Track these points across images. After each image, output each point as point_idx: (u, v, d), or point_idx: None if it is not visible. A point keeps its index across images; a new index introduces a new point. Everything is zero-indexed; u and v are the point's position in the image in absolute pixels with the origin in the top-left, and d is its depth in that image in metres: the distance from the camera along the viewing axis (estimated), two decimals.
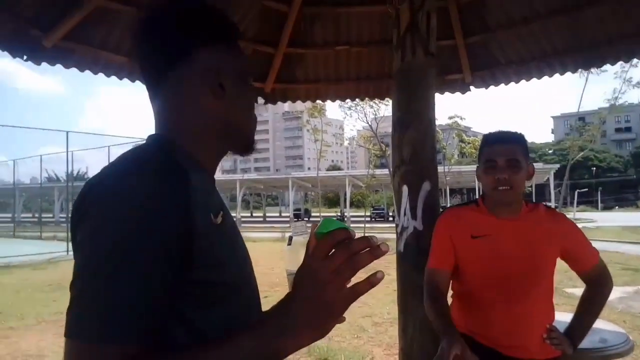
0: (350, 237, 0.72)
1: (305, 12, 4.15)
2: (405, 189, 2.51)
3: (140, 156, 0.86)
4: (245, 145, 1.01)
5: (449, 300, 1.97)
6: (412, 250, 2.44)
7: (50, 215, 40.24)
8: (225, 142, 0.98)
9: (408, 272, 2.47)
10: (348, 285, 0.72)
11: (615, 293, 8.06)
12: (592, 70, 14.60)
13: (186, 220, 0.77)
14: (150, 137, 0.95)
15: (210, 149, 0.96)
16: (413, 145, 2.52)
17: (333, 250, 0.71)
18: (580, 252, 1.92)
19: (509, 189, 1.74)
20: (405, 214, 2.47)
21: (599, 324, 3.61)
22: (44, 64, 3.38)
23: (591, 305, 1.97)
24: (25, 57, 3.28)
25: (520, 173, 1.76)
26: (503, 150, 1.75)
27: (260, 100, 4.67)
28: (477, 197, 2.07)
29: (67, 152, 18.62)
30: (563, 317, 4.20)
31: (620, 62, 3.93)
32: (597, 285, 1.97)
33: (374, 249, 0.70)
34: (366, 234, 0.74)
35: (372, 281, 0.70)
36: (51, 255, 14.84)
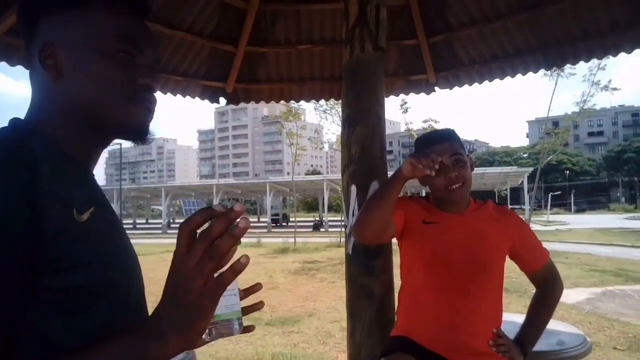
0: (213, 216, 0.62)
1: (265, 9, 4.05)
2: (353, 188, 2.41)
3: None
4: (117, 129, 0.85)
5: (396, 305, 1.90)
6: (361, 252, 2.34)
7: None
8: (90, 128, 0.84)
9: (356, 274, 2.37)
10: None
11: (583, 294, 8.14)
12: (561, 73, 14.84)
13: (31, 214, 0.65)
14: (10, 120, 0.83)
15: (74, 136, 0.83)
16: (361, 143, 2.42)
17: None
18: (529, 250, 1.87)
19: (461, 185, 1.71)
20: (353, 215, 2.37)
21: (557, 325, 3.57)
22: None
23: (542, 308, 1.93)
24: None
25: (466, 167, 1.75)
26: (445, 149, 1.72)
27: (222, 100, 4.55)
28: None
29: None
30: (522, 319, 4.16)
31: (588, 64, 3.95)
32: (547, 286, 1.93)
33: (234, 230, 0.60)
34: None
35: (236, 268, 0.62)
36: None
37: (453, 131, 1.83)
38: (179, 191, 47.37)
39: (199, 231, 0.62)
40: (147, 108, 0.86)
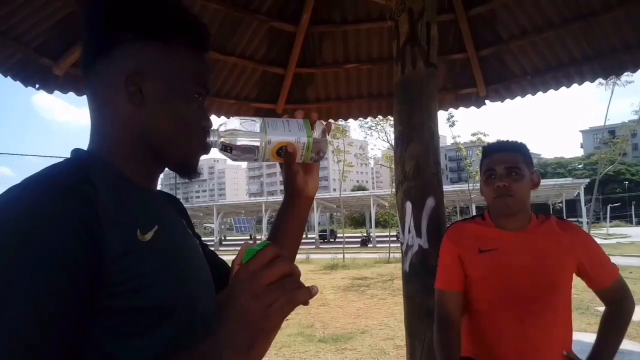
0: (279, 255, 0.65)
1: (313, 32, 4.15)
2: (408, 205, 2.41)
3: (39, 177, 0.71)
4: (177, 164, 0.86)
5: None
6: (418, 270, 2.33)
7: None
8: (153, 157, 0.84)
9: (414, 293, 2.34)
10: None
11: None
12: (617, 82, 14.21)
13: (89, 243, 0.65)
14: (72, 151, 0.84)
15: (137, 163, 0.83)
16: (416, 160, 2.42)
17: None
18: (597, 267, 1.77)
19: (509, 196, 1.65)
20: (409, 232, 2.37)
21: (628, 345, 3.40)
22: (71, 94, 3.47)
23: (614, 327, 1.81)
24: (37, 86, 3.34)
25: (522, 181, 1.66)
26: (502, 159, 1.68)
27: None
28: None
29: None
30: (590, 338, 3.97)
31: None
32: (618, 304, 1.82)
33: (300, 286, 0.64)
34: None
35: (312, 291, 0.63)
36: None
37: (521, 144, 1.77)
38: (230, 209, 48.39)
39: None
40: (203, 149, 0.87)
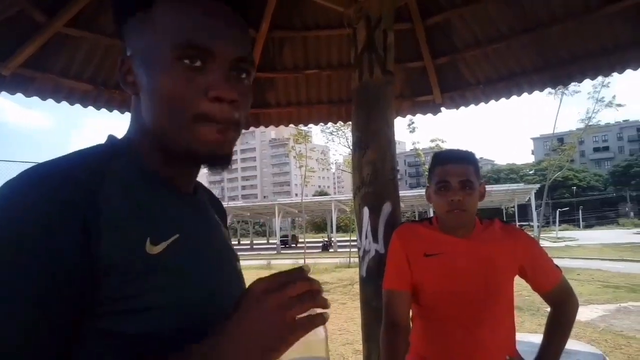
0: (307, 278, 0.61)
1: (274, 37, 4.15)
2: (366, 210, 2.44)
3: (45, 163, 0.63)
4: (189, 156, 0.70)
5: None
6: (374, 274, 2.36)
7: None
8: (163, 150, 0.72)
9: (371, 297, 2.37)
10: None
11: (597, 311, 8.04)
12: (565, 91, 14.91)
13: (80, 247, 0.57)
14: (108, 137, 0.77)
15: (157, 158, 0.73)
16: (373, 166, 2.46)
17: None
18: (540, 270, 1.81)
19: (462, 211, 1.67)
20: (366, 237, 2.40)
21: (574, 345, 3.54)
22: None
23: (558, 329, 1.86)
24: None
25: (474, 194, 1.68)
26: (456, 171, 1.68)
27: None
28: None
29: None
30: (538, 338, 4.12)
31: (593, 82, 3.99)
32: (562, 306, 1.87)
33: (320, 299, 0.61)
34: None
35: (325, 317, 0.61)
36: None
37: (472, 155, 1.77)
38: None
39: None
40: (219, 130, 0.68)
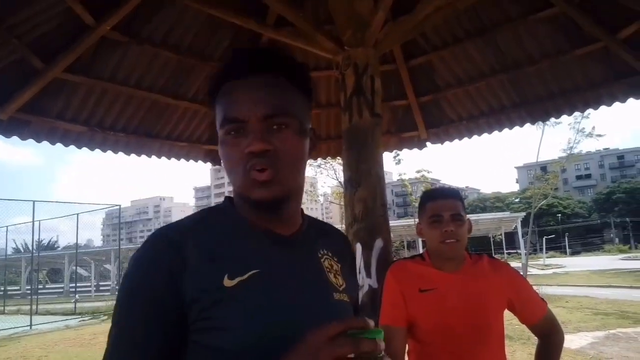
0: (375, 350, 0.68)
1: None
2: (358, 246, 2.53)
3: (167, 225, 0.89)
4: (253, 204, 0.86)
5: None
6: (368, 309, 2.42)
7: (17, 287, 38.41)
8: (244, 200, 0.89)
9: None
10: None
11: (586, 339, 8.09)
12: (547, 123, 15.36)
13: (171, 288, 0.78)
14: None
15: (246, 206, 0.89)
16: (364, 203, 2.58)
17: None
18: (526, 303, 1.88)
19: (455, 241, 1.76)
20: (360, 272, 2.48)
21: None
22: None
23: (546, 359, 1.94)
24: None
25: (464, 227, 1.78)
26: (447, 205, 1.78)
27: (216, 164, 4.73)
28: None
29: (33, 221, 17.97)
30: None
31: (574, 114, 4.16)
32: (549, 337, 1.93)
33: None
34: None
35: None
36: (14, 331, 13.97)
37: (458, 192, 1.90)
38: None
39: None
40: (254, 178, 0.83)
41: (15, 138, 3.46)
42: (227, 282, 0.80)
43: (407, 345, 1.92)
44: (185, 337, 0.80)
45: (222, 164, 0.89)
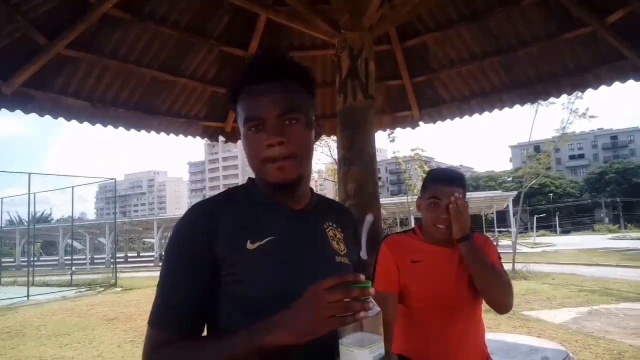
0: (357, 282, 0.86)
1: None
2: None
3: (207, 198, 1.12)
4: (272, 186, 1.07)
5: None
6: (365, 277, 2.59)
7: (12, 259, 38.56)
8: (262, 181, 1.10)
9: None
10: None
11: (570, 314, 8.38)
12: (541, 102, 15.44)
13: (207, 247, 1.00)
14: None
15: (264, 185, 1.10)
16: (357, 181, 2.72)
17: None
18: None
19: (445, 227, 1.90)
20: None
21: (543, 343, 3.83)
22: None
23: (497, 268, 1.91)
24: None
25: None
26: (447, 191, 1.88)
27: (221, 138, 4.84)
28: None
29: (29, 194, 18.04)
30: (511, 338, 4.38)
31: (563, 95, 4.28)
32: None
33: (365, 302, 0.84)
34: None
35: (356, 317, 0.84)
36: (11, 302, 14.19)
37: (463, 177, 1.99)
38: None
39: None
40: (277, 166, 1.03)
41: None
42: (249, 246, 1.02)
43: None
44: (218, 286, 1.01)
45: (245, 153, 1.08)
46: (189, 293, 1.01)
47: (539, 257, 22.21)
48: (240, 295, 1.01)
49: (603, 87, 3.87)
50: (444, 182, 1.94)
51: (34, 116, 3.68)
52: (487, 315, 2.12)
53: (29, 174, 17.24)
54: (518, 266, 14.54)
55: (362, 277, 0.88)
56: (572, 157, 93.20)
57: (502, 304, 1.92)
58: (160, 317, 1.01)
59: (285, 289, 0.99)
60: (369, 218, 2.63)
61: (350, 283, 0.86)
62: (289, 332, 0.88)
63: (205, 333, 1.05)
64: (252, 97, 1.06)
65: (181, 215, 1.08)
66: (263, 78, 1.06)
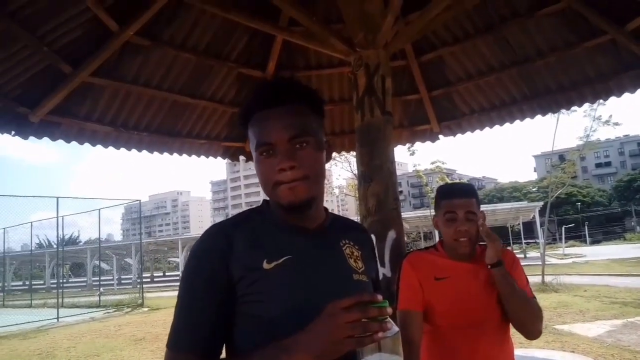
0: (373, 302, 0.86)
1: (280, 76, 4.42)
2: (372, 238, 2.67)
3: (224, 220, 1.14)
4: (284, 208, 1.07)
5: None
6: (383, 296, 2.56)
7: (42, 282, 39.40)
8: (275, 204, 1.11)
9: None
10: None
11: (604, 327, 8.11)
12: (562, 111, 15.15)
13: (223, 268, 1.01)
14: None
15: (278, 208, 1.11)
16: (377, 197, 2.71)
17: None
18: (520, 283, 1.92)
19: (467, 239, 1.89)
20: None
21: (577, 358, 3.71)
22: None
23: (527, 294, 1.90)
24: (12, 133, 3.46)
25: (477, 225, 1.89)
26: (462, 204, 1.90)
27: (242, 158, 4.90)
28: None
29: (57, 217, 18.49)
30: (544, 354, 4.26)
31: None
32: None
33: (382, 322, 0.85)
34: None
35: (374, 338, 0.85)
36: (41, 324, 14.46)
37: (473, 188, 2.00)
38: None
39: None
40: (289, 188, 1.04)
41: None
42: (266, 265, 1.03)
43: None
44: (234, 306, 1.03)
45: (258, 178, 1.10)
46: (205, 315, 1.01)
47: (569, 268, 21.62)
48: (257, 315, 1.01)
49: (626, 95, 3.80)
50: (456, 195, 1.94)
51: (60, 142, 3.80)
52: None
53: (57, 197, 17.67)
54: (548, 278, 14.14)
55: (380, 297, 0.87)
56: (598, 165, 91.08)
57: (532, 331, 1.91)
58: (179, 339, 1.01)
59: (302, 307, 0.99)
60: (392, 234, 2.61)
61: (367, 303, 0.86)
62: (307, 352, 0.88)
63: (224, 354, 1.06)
64: (262, 123, 1.07)
65: None
66: (271, 103, 1.07)
